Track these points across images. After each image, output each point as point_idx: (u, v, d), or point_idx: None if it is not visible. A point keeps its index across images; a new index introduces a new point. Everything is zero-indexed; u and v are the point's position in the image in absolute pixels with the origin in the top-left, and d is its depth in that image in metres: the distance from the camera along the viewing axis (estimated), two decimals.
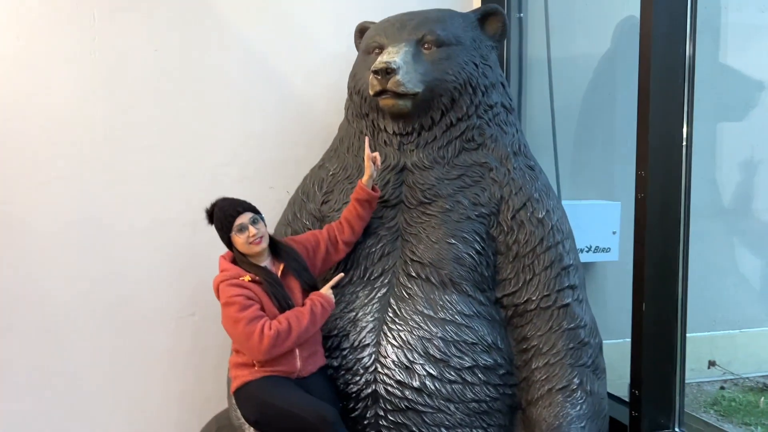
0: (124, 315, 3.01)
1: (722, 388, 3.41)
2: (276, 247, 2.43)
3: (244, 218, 2.35)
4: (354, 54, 2.92)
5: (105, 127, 2.94)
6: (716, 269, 3.62)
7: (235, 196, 2.45)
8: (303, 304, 2.36)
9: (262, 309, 2.30)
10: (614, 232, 3.36)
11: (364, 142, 2.56)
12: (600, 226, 3.35)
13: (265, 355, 2.26)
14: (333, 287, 2.42)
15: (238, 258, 2.39)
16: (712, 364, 3.50)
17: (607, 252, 3.38)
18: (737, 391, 3.37)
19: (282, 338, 2.24)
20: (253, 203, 3.11)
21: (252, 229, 2.33)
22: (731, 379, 3.46)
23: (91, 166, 2.94)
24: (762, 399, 3.26)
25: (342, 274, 2.51)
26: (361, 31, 2.91)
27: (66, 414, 2.95)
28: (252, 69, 3.12)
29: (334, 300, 2.40)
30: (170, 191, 3.04)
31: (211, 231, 3.05)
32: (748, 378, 3.47)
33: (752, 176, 3.64)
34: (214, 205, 2.42)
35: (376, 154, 2.54)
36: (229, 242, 2.39)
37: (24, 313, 2.89)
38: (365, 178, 2.52)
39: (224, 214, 2.36)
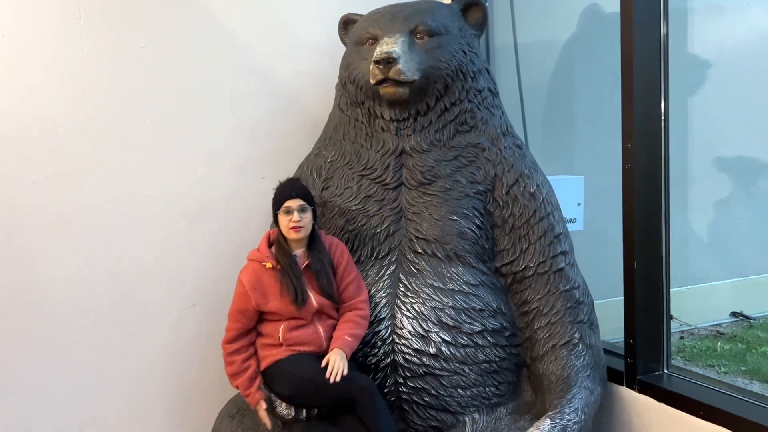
0: (126, 310, 3.02)
1: (682, 338, 3.78)
2: (312, 242, 2.51)
3: (293, 203, 2.46)
4: (337, 45, 3.03)
5: (96, 124, 2.94)
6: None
7: (291, 179, 2.65)
8: (317, 304, 2.47)
9: (264, 295, 2.41)
10: (579, 204, 3.62)
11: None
12: (566, 198, 3.58)
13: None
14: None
15: (278, 237, 2.51)
16: (671, 317, 3.86)
17: (573, 222, 3.62)
18: (695, 340, 3.75)
19: (225, 360, 2.54)
20: (246, 193, 3.23)
21: (296, 215, 2.44)
22: (687, 330, 3.83)
23: (83, 163, 2.93)
24: (719, 344, 3.64)
25: None
26: (346, 22, 3.02)
27: (70, 409, 2.95)
28: (240, 62, 3.17)
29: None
30: (164, 184, 3.07)
31: (208, 223, 3.15)
32: (702, 327, 3.85)
33: (693, 147, 4.00)
34: (281, 181, 2.58)
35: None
36: (276, 219, 2.51)
37: (25, 315, 2.86)
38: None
39: (279, 193, 2.51)
